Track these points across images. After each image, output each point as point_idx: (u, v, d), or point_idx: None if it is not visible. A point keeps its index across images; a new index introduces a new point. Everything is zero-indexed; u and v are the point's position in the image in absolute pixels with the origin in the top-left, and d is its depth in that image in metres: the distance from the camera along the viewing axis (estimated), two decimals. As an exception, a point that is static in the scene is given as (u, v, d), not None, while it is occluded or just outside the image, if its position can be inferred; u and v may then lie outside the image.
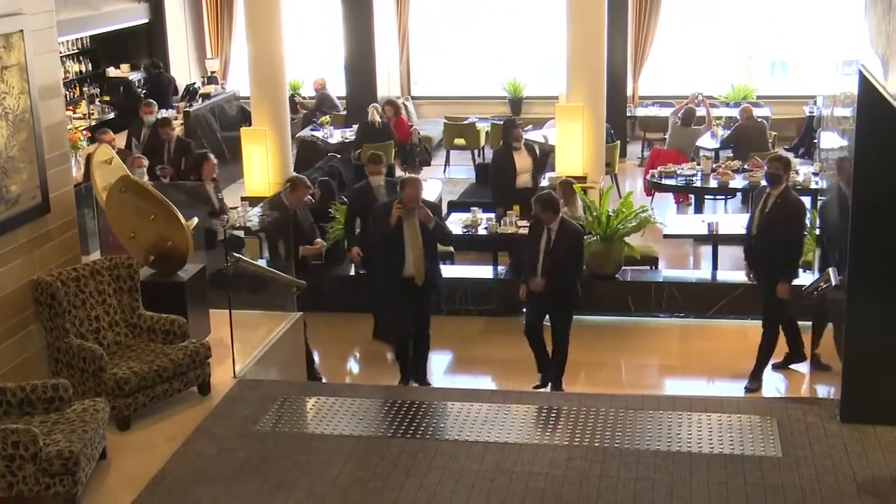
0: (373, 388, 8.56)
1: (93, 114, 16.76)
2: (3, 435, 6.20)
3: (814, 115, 16.94)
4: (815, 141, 15.88)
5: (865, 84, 6.69)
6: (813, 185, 13.04)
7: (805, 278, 9.75)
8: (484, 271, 11.65)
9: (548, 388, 9.02)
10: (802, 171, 13.58)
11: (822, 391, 8.27)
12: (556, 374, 9.09)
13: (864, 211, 7.00)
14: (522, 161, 12.13)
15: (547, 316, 9.12)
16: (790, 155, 14.10)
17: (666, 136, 16.31)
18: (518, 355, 9.34)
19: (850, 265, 7.14)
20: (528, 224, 9.92)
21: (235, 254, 9.04)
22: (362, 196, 10.65)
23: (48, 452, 6.23)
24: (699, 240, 12.71)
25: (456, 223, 11.80)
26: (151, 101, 14.36)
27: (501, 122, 17.00)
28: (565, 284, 8.93)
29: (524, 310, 9.41)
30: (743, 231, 9.47)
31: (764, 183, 9.29)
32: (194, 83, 18.76)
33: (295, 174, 11.98)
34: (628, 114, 18.36)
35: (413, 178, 9.09)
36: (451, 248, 11.79)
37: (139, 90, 17.88)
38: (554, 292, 8.88)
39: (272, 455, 7.01)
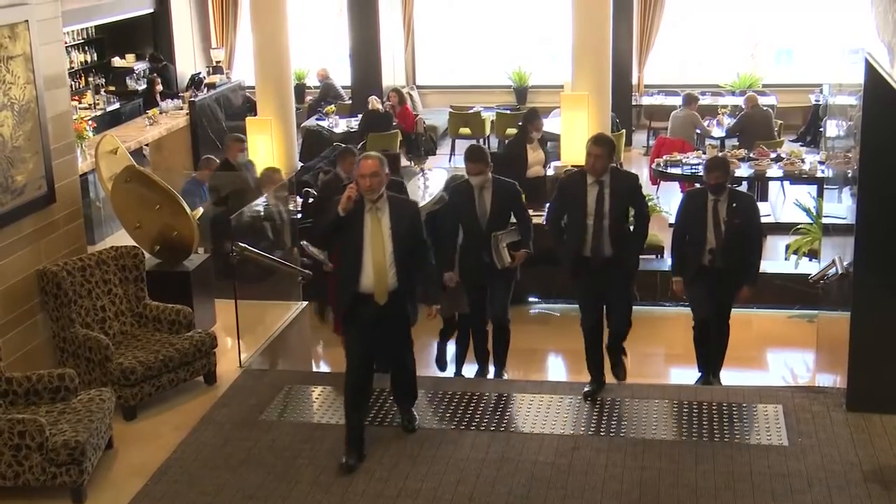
0: (377, 377, 8.55)
1: (98, 104, 16.75)
2: (9, 425, 6.22)
3: (820, 103, 16.90)
4: (821, 129, 15.85)
5: (872, 72, 6.66)
6: (819, 174, 13.03)
7: (811, 267, 9.74)
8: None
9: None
10: (808, 160, 13.58)
11: (828, 380, 8.25)
12: (621, 362, 8.03)
13: (871, 199, 6.99)
14: (535, 154, 12.10)
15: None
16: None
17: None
18: (523, 344, 9.33)
19: (857, 253, 7.13)
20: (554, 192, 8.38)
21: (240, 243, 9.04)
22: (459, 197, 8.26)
23: (54, 442, 6.24)
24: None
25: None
26: (241, 136, 13.04)
27: (507, 112, 17.07)
28: (629, 248, 7.64)
29: (579, 304, 7.96)
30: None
31: (700, 189, 8.45)
32: (199, 73, 18.75)
33: (342, 145, 10.81)
34: (634, 102, 18.35)
35: (368, 154, 6.67)
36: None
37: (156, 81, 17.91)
38: (616, 261, 7.55)
39: (278, 444, 7.02)
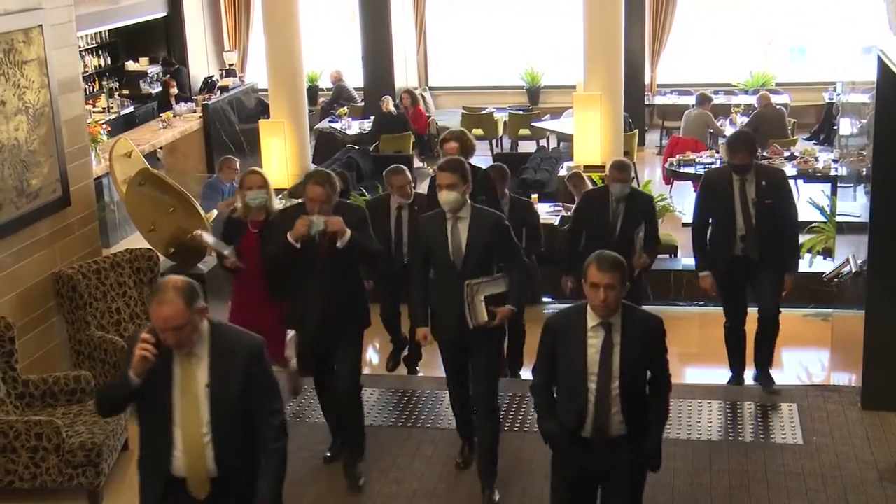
0: (391, 377, 8.57)
1: (112, 107, 16.82)
2: (26, 427, 6.25)
3: (833, 101, 16.86)
4: (835, 127, 15.81)
5: (885, 70, 6.65)
6: (832, 172, 13.00)
7: (825, 265, 9.70)
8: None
9: None
10: (822, 159, 13.55)
11: (843, 378, 8.23)
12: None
13: (885, 197, 6.97)
14: None
15: None
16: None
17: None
18: (533, 344, 9.32)
19: (871, 251, 7.11)
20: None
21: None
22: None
23: (71, 444, 6.28)
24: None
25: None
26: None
27: (519, 113, 17.00)
28: (648, 428, 5.18)
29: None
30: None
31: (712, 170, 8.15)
32: (212, 76, 18.80)
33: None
34: (646, 102, 18.32)
35: (163, 292, 4.30)
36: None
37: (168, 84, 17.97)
38: (627, 444, 5.01)
39: (293, 445, 6.95)
